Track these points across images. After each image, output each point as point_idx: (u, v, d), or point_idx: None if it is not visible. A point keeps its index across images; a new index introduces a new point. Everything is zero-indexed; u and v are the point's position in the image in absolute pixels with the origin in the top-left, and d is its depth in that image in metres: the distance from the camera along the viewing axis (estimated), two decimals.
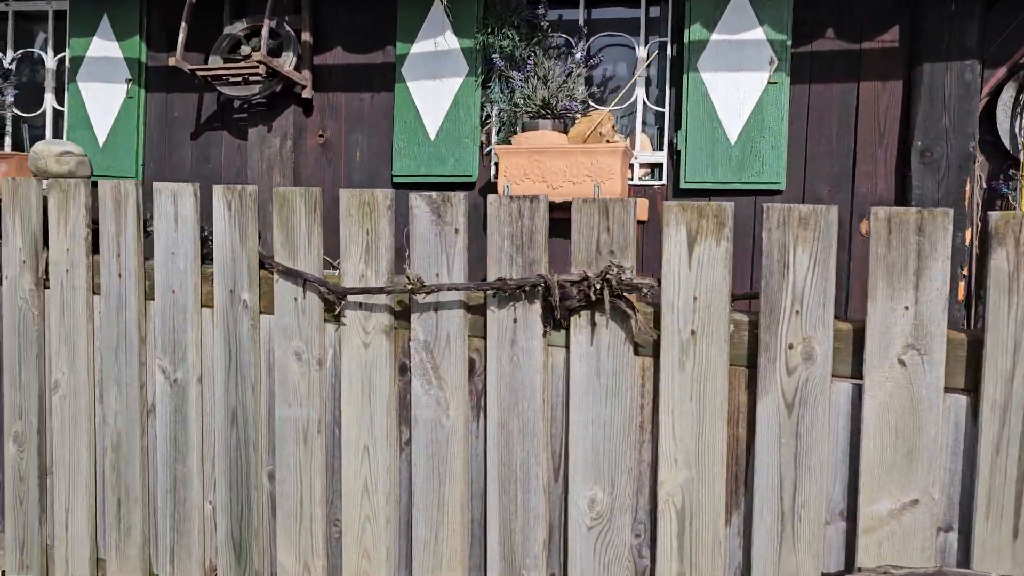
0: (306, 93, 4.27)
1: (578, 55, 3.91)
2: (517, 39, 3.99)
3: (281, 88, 4.20)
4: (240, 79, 4.12)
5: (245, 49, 4.19)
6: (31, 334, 2.43)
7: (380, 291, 1.89)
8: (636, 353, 1.76)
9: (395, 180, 4.21)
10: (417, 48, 4.17)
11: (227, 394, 2.17)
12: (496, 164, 4.14)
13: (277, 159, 4.31)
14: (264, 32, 3.94)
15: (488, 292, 1.84)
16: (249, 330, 2.13)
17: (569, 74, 3.73)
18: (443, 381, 1.92)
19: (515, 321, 1.84)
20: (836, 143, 3.72)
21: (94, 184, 2.35)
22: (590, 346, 1.77)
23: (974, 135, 3.50)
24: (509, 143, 3.94)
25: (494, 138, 4.13)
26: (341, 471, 2.05)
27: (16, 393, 2.46)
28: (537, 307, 1.81)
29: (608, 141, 3.70)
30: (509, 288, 1.77)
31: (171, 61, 4.05)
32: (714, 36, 3.79)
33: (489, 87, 4.10)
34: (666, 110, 3.96)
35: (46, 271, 2.41)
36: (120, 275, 2.28)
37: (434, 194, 1.90)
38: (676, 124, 3.91)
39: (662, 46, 3.99)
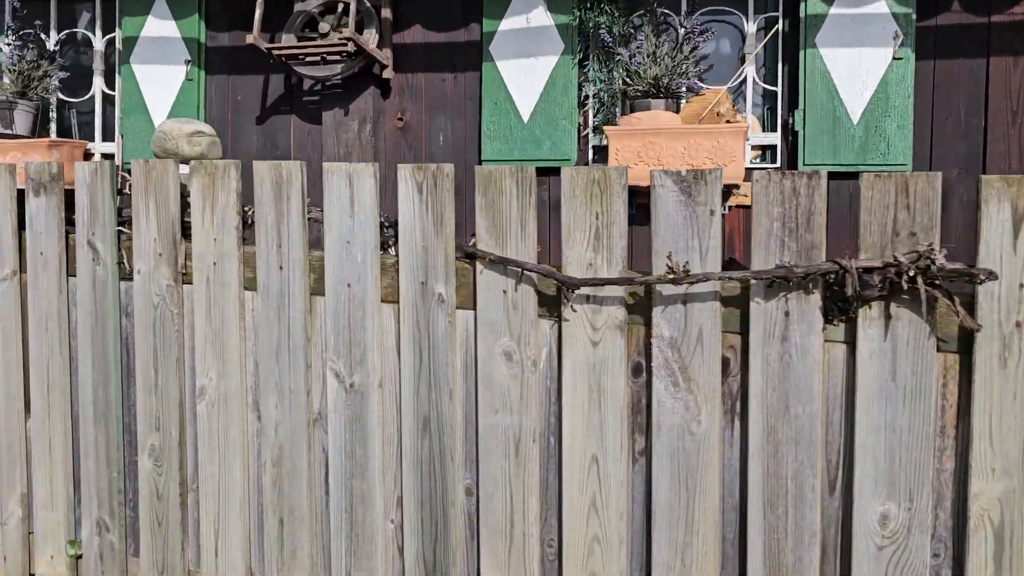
0: (387, 73, 4.01)
1: (686, 30, 3.68)
2: (616, 14, 3.76)
3: (359, 69, 3.94)
4: (319, 58, 3.85)
5: (323, 27, 3.92)
6: (169, 334, 2.16)
7: (628, 281, 1.65)
8: (938, 349, 1.55)
9: (484, 165, 3.96)
10: (506, 25, 3.92)
11: (417, 400, 1.92)
12: (595, 147, 3.91)
13: (356, 144, 4.05)
14: (352, 6, 3.67)
15: (752, 282, 1.62)
16: (446, 328, 1.89)
17: (693, 49, 3.50)
18: (692, 383, 1.69)
19: (787, 314, 1.61)
20: (965, 122, 3.53)
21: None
22: (883, 341, 1.56)
23: None
24: (611, 124, 3.71)
25: (591, 119, 3.90)
26: (561, 485, 1.82)
27: (152, 400, 2.19)
28: (816, 298, 1.59)
29: (728, 121, 3.48)
30: (795, 276, 1.54)
31: (248, 39, 3.76)
32: (833, 10, 3.58)
33: (585, 66, 3.87)
34: (779, 89, 3.74)
35: (185, 264, 2.15)
36: (282, 268, 2.03)
37: (683, 170, 1.67)
38: (791, 103, 3.70)
39: (769, 22, 3.78)
